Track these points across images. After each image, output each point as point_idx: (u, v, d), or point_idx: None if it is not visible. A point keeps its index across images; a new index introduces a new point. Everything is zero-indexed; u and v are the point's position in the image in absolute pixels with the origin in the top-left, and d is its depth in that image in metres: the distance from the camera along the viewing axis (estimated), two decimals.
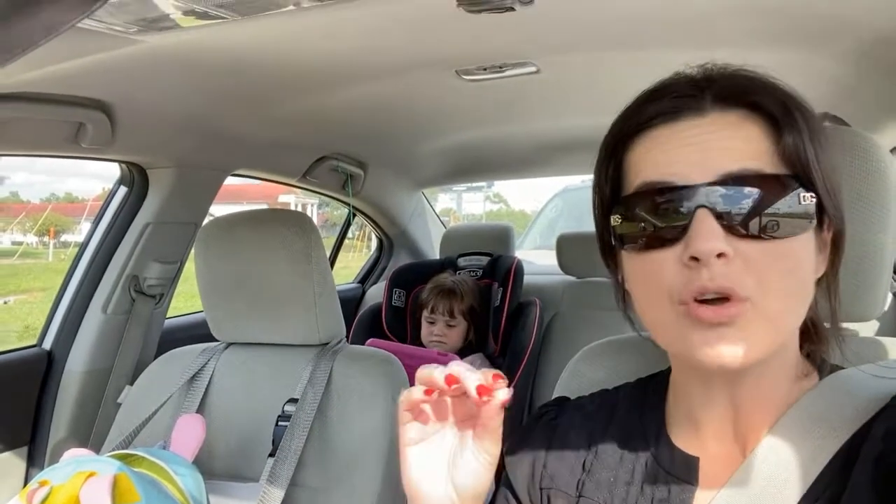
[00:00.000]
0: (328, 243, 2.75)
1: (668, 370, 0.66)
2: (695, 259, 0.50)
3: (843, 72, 1.17)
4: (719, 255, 0.49)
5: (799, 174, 0.52)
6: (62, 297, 1.62)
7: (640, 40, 1.11)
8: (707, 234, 0.49)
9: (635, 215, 0.54)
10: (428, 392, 0.53)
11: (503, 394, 0.51)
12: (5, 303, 6.59)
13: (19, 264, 8.05)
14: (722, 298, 0.49)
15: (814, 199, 0.52)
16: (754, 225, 0.50)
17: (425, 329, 2.14)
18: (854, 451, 0.50)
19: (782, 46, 1.09)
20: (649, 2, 0.96)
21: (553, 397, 0.75)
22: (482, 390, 0.50)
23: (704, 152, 0.52)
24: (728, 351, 0.50)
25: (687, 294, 0.51)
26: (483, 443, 0.54)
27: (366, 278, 2.89)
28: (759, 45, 1.08)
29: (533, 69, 1.27)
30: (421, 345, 2.14)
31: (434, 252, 2.89)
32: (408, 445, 0.56)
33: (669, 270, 0.52)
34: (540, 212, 5.80)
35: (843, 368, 0.58)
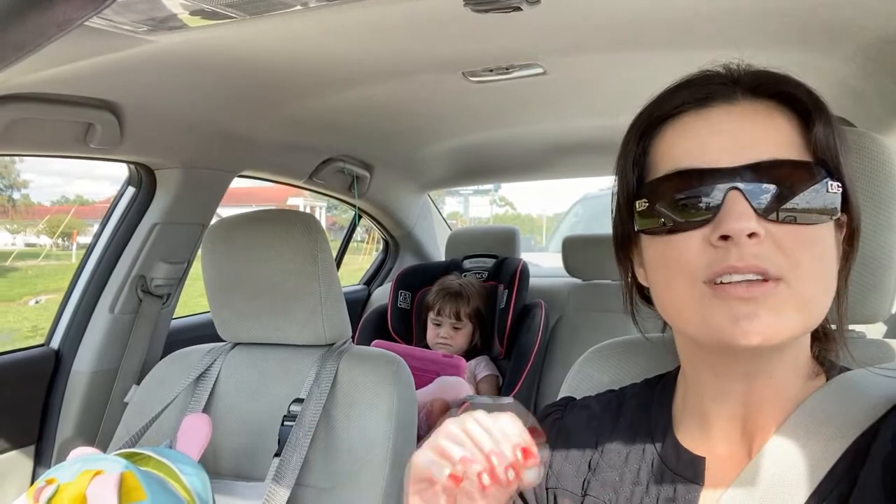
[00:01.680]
0: (337, 246, 2.77)
1: (676, 371, 0.66)
2: (724, 239, 0.50)
3: (849, 73, 1.16)
4: (751, 236, 0.49)
5: (828, 163, 0.53)
6: (70, 297, 1.63)
7: (647, 42, 1.11)
8: (739, 214, 0.50)
9: (663, 199, 0.54)
10: (455, 480, 0.49)
11: (532, 475, 0.49)
12: (37, 302, 6.78)
13: (44, 265, 8.24)
14: (751, 281, 0.49)
15: (840, 189, 0.52)
16: (785, 209, 0.51)
17: (431, 331, 2.14)
18: (862, 452, 0.50)
19: (788, 48, 1.09)
20: (656, 3, 0.96)
21: (558, 398, 0.75)
22: (515, 466, 0.48)
23: (735, 140, 0.53)
24: (758, 328, 0.49)
25: (713, 273, 0.51)
26: None
27: (371, 280, 2.90)
28: (765, 46, 1.08)
29: (539, 70, 1.27)
30: (426, 346, 2.14)
31: (440, 254, 2.90)
32: None
33: (694, 251, 0.52)
34: (563, 217, 6.09)
35: (850, 370, 0.58)
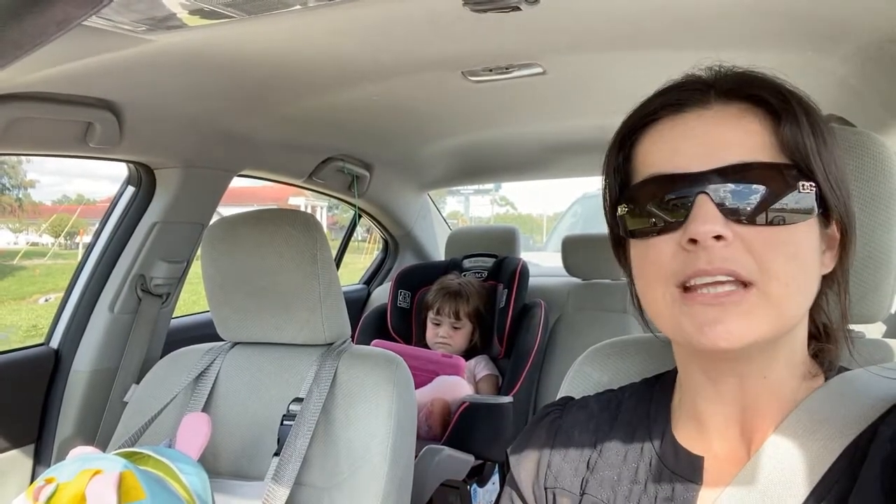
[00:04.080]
0: (337, 245, 2.77)
1: (675, 370, 0.66)
2: (693, 242, 0.51)
3: (849, 73, 1.16)
4: (718, 238, 0.50)
5: (798, 163, 0.53)
6: (69, 296, 1.63)
7: (647, 41, 1.11)
8: (704, 217, 0.51)
9: (641, 204, 0.56)
10: None
11: None
12: (46, 300, 6.85)
13: (51, 264, 8.29)
14: (722, 282, 0.50)
15: (813, 189, 0.53)
16: (754, 212, 0.51)
17: (430, 331, 2.14)
18: (861, 452, 0.50)
19: (788, 48, 1.09)
20: (655, 3, 0.96)
21: (557, 398, 0.75)
22: None
23: (706, 144, 0.53)
24: (724, 331, 0.50)
25: (683, 277, 0.52)
26: None
27: (371, 279, 2.90)
28: (765, 46, 1.08)
29: (539, 70, 1.27)
30: (426, 346, 2.14)
31: (439, 253, 2.90)
32: None
33: (668, 255, 0.53)
34: (562, 216, 6.04)
35: (849, 370, 0.58)
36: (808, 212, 0.52)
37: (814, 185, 0.53)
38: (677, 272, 0.52)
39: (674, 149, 0.55)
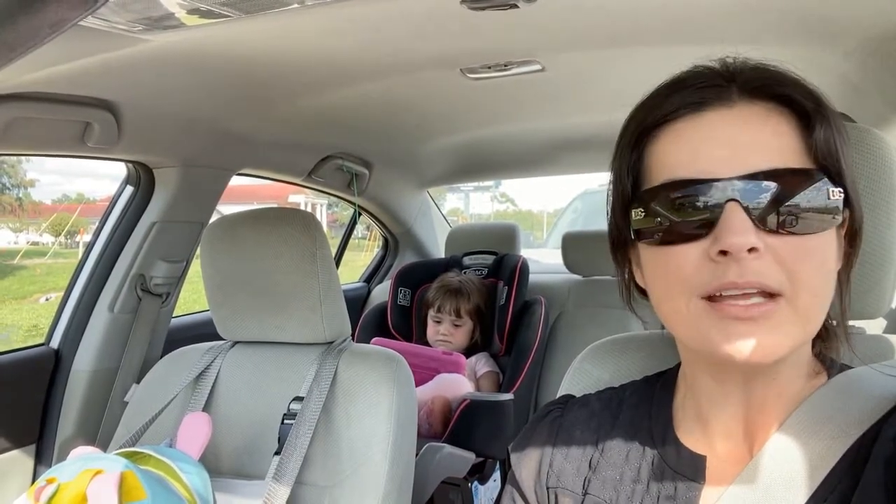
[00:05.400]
0: (337, 243, 2.77)
1: (677, 368, 0.65)
2: (723, 254, 0.49)
3: (850, 69, 1.16)
4: (751, 250, 0.48)
5: (829, 168, 0.51)
6: (69, 296, 1.63)
7: (646, 37, 1.11)
8: (739, 229, 0.48)
9: (659, 210, 0.53)
10: None
11: None
12: (47, 299, 6.87)
13: (51, 263, 8.32)
14: (750, 294, 0.49)
15: (842, 195, 0.51)
16: (784, 220, 0.49)
17: (431, 328, 2.14)
18: (864, 451, 0.50)
19: (789, 43, 1.09)
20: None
21: (558, 395, 0.75)
22: None
23: (732, 147, 0.51)
24: (757, 346, 0.48)
25: (713, 289, 0.50)
26: None
27: (371, 277, 2.90)
28: (765, 42, 1.08)
29: (537, 67, 1.26)
30: (426, 343, 2.14)
31: (439, 251, 2.89)
32: None
33: (692, 265, 0.51)
34: (562, 213, 5.99)
35: (851, 367, 0.58)
36: (835, 219, 0.51)
37: (842, 191, 0.51)
38: (704, 284, 0.50)
39: (695, 150, 0.52)
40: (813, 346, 0.58)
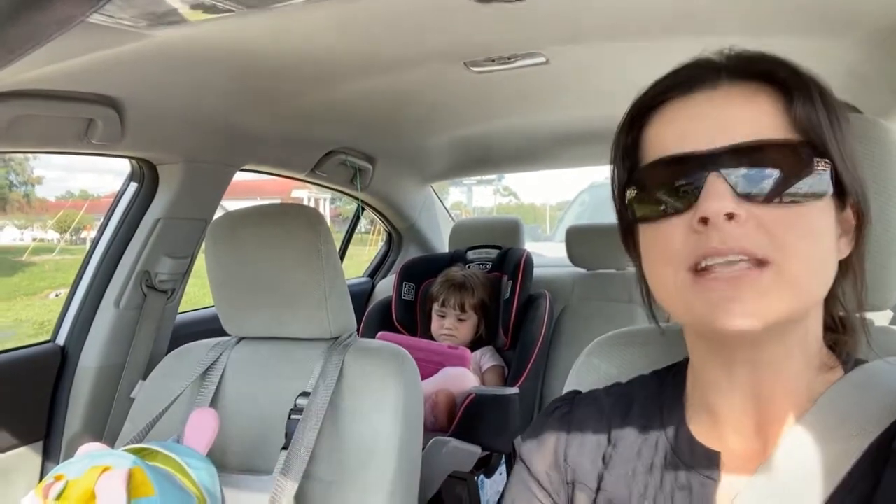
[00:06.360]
0: (340, 238, 2.77)
1: (686, 361, 0.65)
2: (703, 222, 0.50)
3: (856, 60, 1.15)
4: (731, 217, 0.49)
5: (812, 141, 0.52)
6: (75, 292, 1.63)
7: (651, 29, 1.10)
8: (715, 194, 0.49)
9: (649, 188, 0.55)
10: None
11: None
12: (57, 295, 6.91)
13: (59, 259, 8.37)
14: (735, 262, 0.49)
15: (828, 166, 0.51)
16: (767, 190, 0.50)
17: (436, 323, 2.14)
18: (884, 449, 0.49)
19: (795, 35, 1.08)
20: None
21: (565, 390, 0.75)
22: None
23: (717, 123, 0.52)
24: (743, 312, 0.49)
25: (697, 258, 0.50)
26: None
27: (375, 272, 2.90)
28: (772, 33, 1.07)
29: (542, 60, 1.26)
30: (431, 338, 2.14)
31: (443, 245, 2.89)
32: None
33: (679, 238, 0.52)
34: (569, 206, 5.98)
35: (866, 361, 0.57)
36: (823, 190, 0.51)
37: (828, 162, 0.51)
38: (689, 255, 0.51)
39: (683, 129, 0.54)
40: (825, 339, 0.57)
